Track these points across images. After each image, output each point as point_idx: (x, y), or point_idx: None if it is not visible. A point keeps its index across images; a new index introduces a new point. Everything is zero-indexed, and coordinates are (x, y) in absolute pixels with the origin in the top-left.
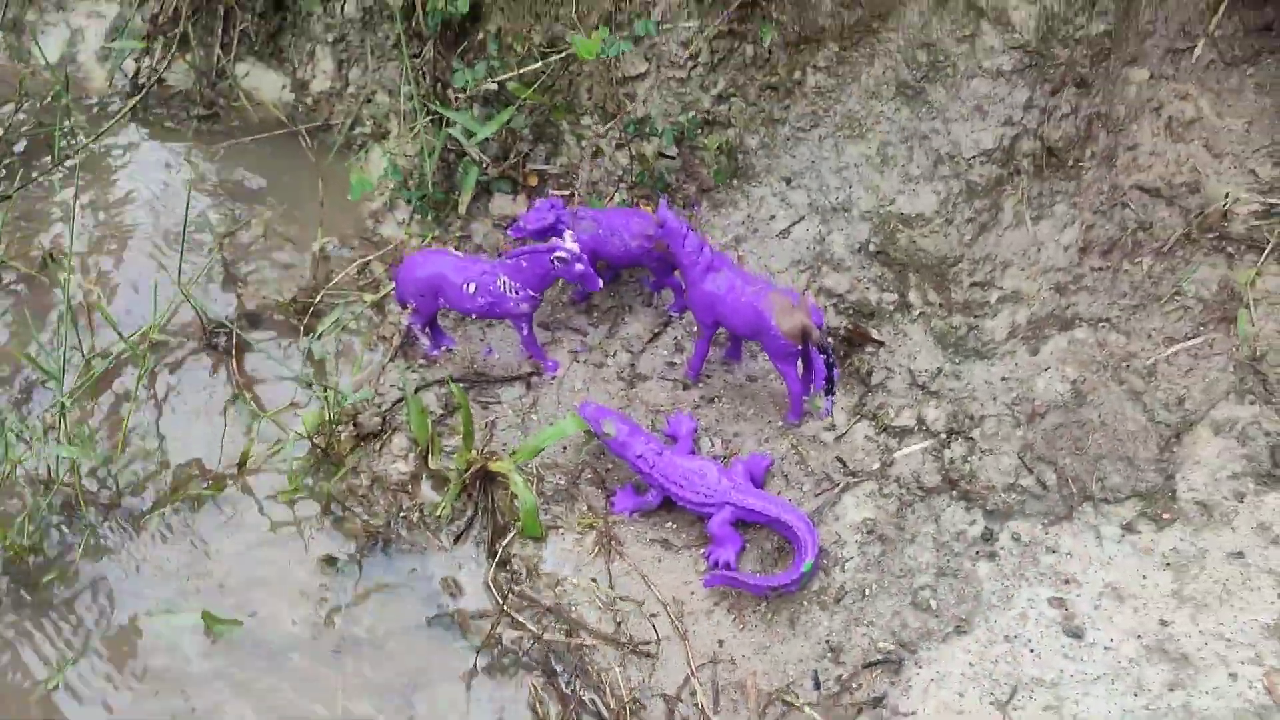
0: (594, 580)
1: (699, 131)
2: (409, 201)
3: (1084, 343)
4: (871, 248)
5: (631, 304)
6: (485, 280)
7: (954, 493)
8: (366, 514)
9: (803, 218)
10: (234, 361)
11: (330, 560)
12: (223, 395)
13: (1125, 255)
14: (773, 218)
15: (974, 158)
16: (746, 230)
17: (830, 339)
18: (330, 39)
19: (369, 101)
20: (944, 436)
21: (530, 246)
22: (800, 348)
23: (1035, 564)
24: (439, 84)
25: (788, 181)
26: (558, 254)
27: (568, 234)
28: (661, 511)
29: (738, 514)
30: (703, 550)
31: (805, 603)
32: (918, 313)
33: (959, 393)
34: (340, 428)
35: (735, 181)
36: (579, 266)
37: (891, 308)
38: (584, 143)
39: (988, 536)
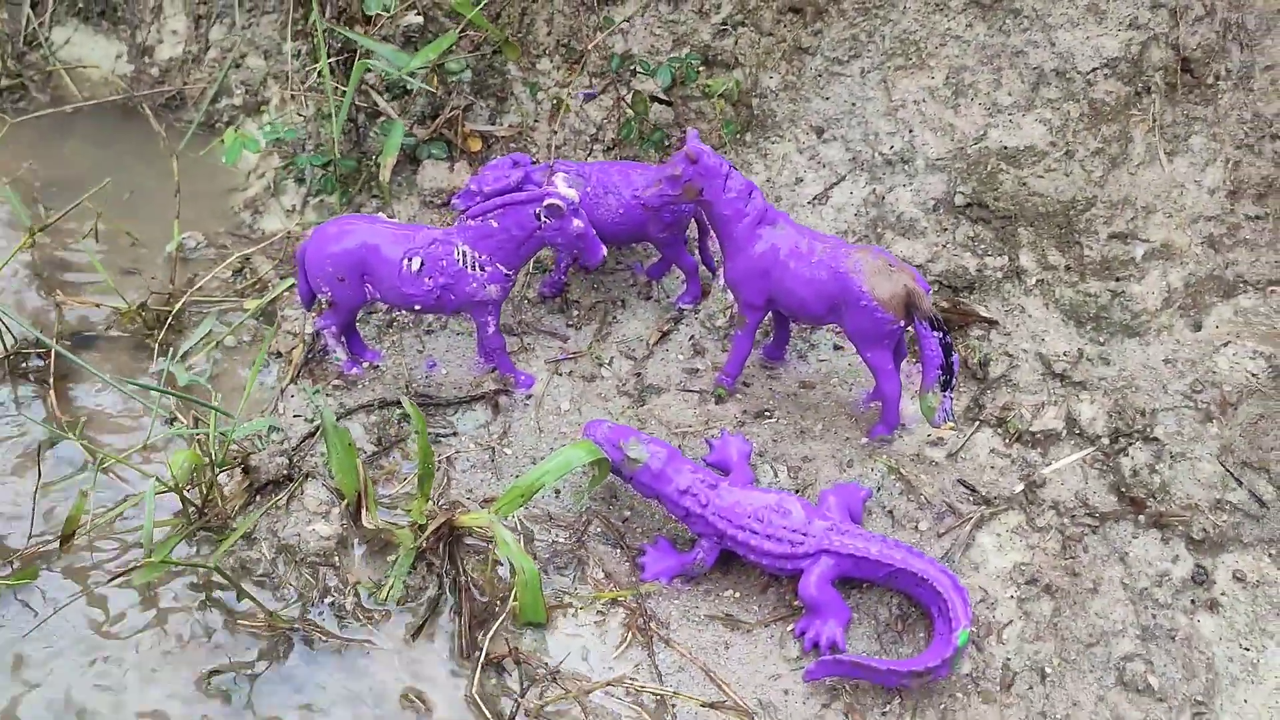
0: (634, 680)
1: (698, 73)
2: (301, 181)
3: (1255, 312)
4: (958, 200)
5: (624, 298)
6: (437, 253)
7: (1141, 518)
8: (272, 601)
9: (843, 177)
10: (52, 392)
11: (212, 678)
12: (35, 438)
13: None
14: (800, 180)
15: (1095, 71)
16: (767, 199)
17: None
18: None
19: (237, 66)
20: (1109, 441)
21: (506, 196)
22: (901, 324)
23: (1278, 612)
24: (343, 16)
25: (819, 132)
26: (550, 202)
27: (560, 177)
28: (715, 574)
29: (841, 567)
30: (791, 626)
31: (959, 694)
32: (1035, 280)
33: (1115, 381)
34: (223, 475)
35: (748, 137)
36: (577, 223)
37: (999, 275)
38: (541, 95)
39: (1200, 578)
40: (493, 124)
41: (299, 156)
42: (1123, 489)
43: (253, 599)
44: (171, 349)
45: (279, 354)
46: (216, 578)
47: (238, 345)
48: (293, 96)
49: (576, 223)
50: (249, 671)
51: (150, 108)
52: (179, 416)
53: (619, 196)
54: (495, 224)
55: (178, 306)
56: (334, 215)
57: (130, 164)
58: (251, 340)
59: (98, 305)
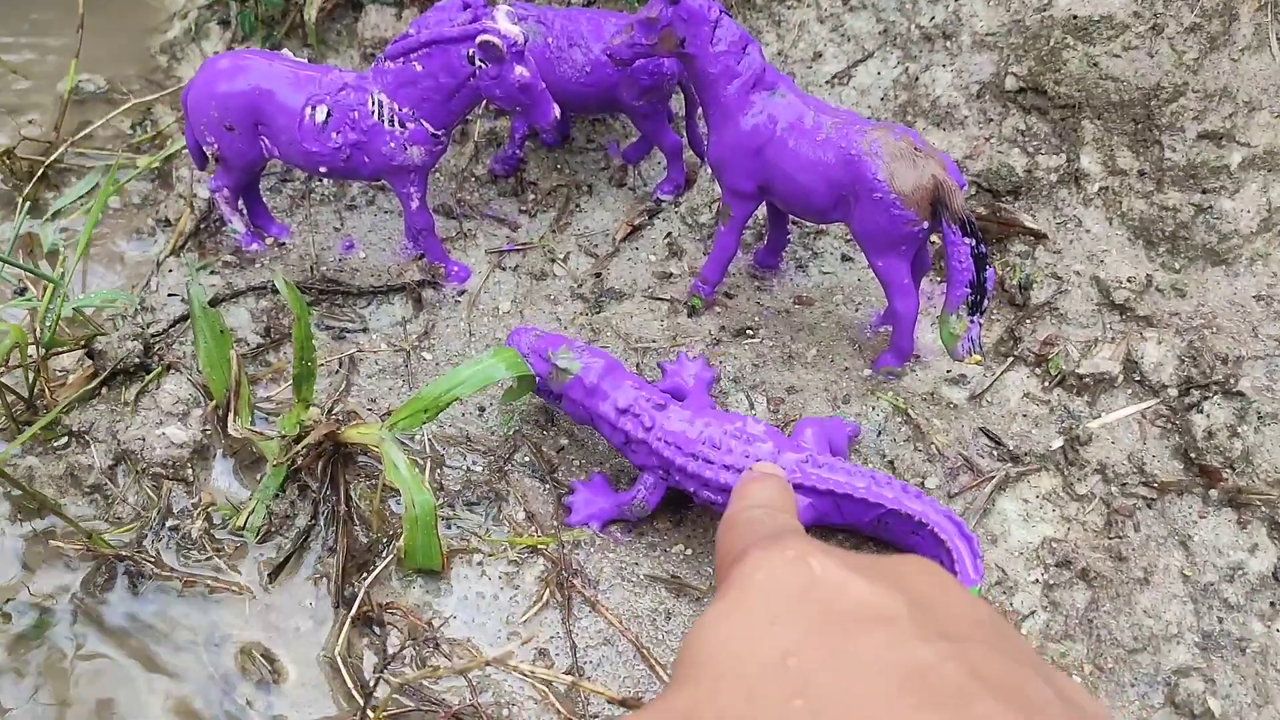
0: (541, 657)
1: None
2: (227, 24)
3: None
4: (1010, 83)
5: (591, 183)
6: (347, 101)
7: (1213, 493)
8: (101, 521)
9: (871, 53)
10: None
11: (4, 606)
12: None
13: None
14: (818, 55)
15: None
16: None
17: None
18: None
19: None
20: (1177, 393)
21: (433, 32)
22: (924, 226)
23: None
24: None
25: None
26: (484, 39)
27: (502, 10)
28: (663, 523)
29: (818, 509)
30: None
31: None
32: (1098, 186)
33: (1190, 319)
34: (57, 358)
35: None
36: (520, 71)
37: (1052, 178)
38: None
39: None
40: None
41: None
42: (1192, 455)
43: (60, 515)
44: (28, 204)
45: (168, 221)
46: (36, 484)
47: (124, 208)
48: None
49: (520, 70)
50: (50, 603)
51: None
52: (30, 286)
53: (586, 51)
54: (419, 68)
55: (54, 156)
56: None
57: None
58: (141, 205)
59: None
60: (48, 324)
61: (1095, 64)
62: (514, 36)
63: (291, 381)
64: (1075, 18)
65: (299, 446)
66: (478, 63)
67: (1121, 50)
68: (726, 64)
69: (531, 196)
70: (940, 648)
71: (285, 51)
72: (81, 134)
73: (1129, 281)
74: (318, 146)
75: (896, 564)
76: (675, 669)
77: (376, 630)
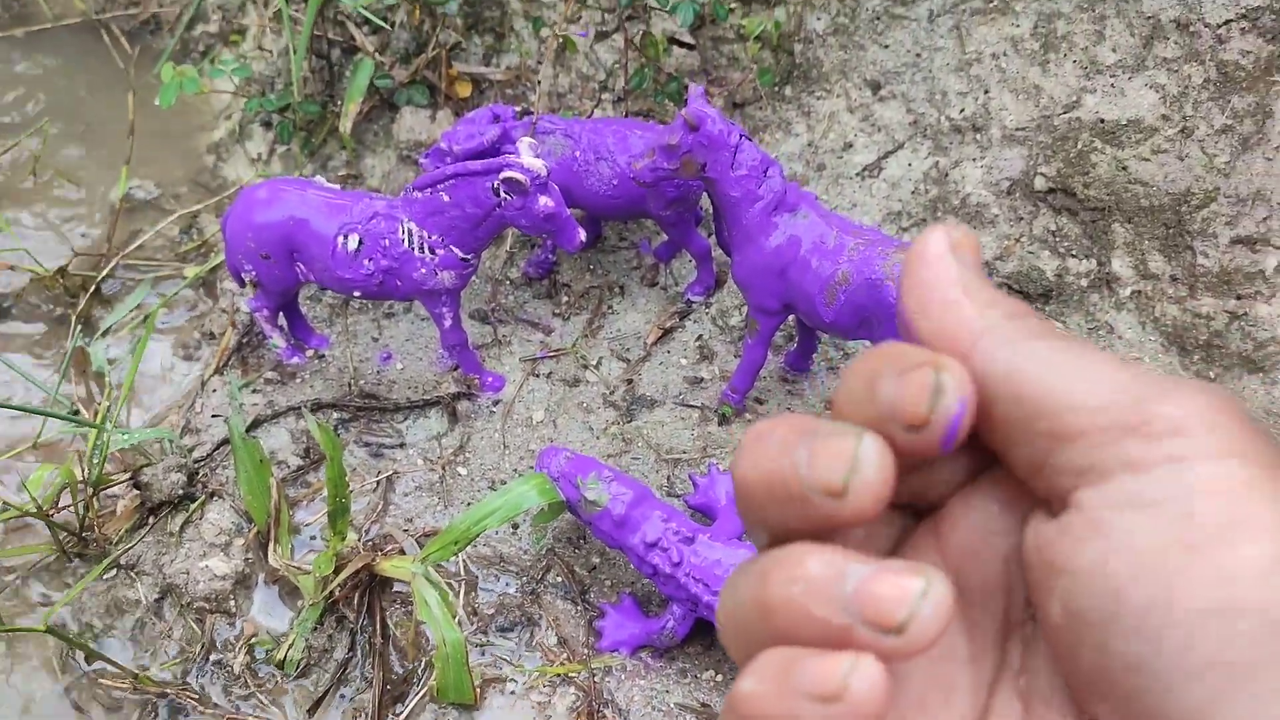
0: None
1: (730, 11)
2: (268, 125)
3: None
4: (1039, 183)
5: (623, 283)
6: (378, 230)
7: None
8: (145, 657)
9: (901, 145)
10: None
11: None
12: None
13: None
14: (849, 146)
15: (1229, 24)
16: (807, 166)
17: None
18: None
19: None
20: None
21: (458, 165)
22: None
23: None
24: None
25: (875, 88)
26: (507, 174)
27: (525, 143)
28: (694, 649)
29: None
30: None
31: None
32: (1130, 291)
33: None
34: (106, 490)
35: (789, 90)
36: (545, 201)
37: (1084, 283)
38: (545, 33)
39: None
40: (487, 65)
41: (248, 101)
42: None
43: (104, 659)
44: (80, 323)
45: (211, 335)
46: (85, 617)
47: (171, 319)
48: (266, 26)
49: (544, 200)
50: None
51: (122, 32)
52: (82, 409)
53: (612, 164)
54: (446, 198)
55: (105, 271)
56: (299, 167)
57: (95, 92)
58: (188, 315)
59: (12, 267)
60: (95, 462)
61: (1124, 168)
62: (536, 170)
63: (327, 514)
64: (1102, 121)
65: (336, 580)
66: (502, 195)
67: (1150, 154)
68: (748, 188)
69: (565, 299)
70: None
71: (319, 178)
72: (133, 246)
73: None
74: (351, 273)
75: None
76: None
77: None
